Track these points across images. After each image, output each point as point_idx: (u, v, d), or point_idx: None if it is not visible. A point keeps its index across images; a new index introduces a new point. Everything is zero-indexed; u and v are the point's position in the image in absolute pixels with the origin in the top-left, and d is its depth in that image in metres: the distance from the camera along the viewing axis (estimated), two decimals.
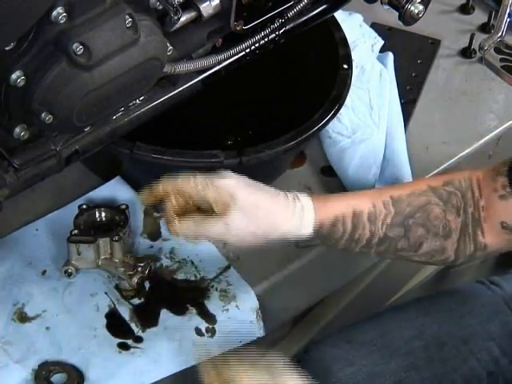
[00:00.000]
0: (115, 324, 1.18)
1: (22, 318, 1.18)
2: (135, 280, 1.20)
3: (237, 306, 1.23)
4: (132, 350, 1.17)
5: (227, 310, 1.22)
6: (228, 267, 1.26)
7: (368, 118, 1.45)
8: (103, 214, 1.26)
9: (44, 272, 1.23)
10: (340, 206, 1.14)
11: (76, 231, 1.22)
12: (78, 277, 1.22)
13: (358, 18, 1.59)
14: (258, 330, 1.23)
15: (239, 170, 1.19)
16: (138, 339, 1.19)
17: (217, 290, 1.24)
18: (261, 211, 1.10)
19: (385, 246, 1.15)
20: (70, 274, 1.21)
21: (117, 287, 1.22)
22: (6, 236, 1.26)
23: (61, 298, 1.20)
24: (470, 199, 1.16)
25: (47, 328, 1.17)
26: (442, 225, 1.15)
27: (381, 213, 1.15)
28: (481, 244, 1.16)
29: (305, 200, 1.12)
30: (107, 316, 1.20)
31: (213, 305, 1.22)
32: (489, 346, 1.27)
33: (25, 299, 1.19)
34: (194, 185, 1.07)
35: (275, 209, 1.11)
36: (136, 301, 1.22)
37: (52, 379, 1.13)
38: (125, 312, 1.21)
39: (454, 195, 1.16)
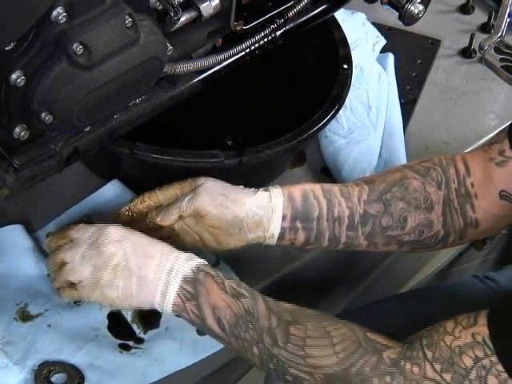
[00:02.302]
0: (117, 325, 1.18)
1: (25, 316, 1.18)
2: None
3: None
4: (133, 350, 1.17)
5: None
6: (218, 261, 1.26)
7: (366, 118, 1.45)
8: None
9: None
10: (307, 184, 1.17)
11: None
12: None
13: (361, 16, 1.59)
14: None
15: (239, 169, 1.19)
16: (140, 340, 1.18)
17: None
18: (226, 189, 1.16)
19: (370, 226, 1.15)
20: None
21: None
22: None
23: None
24: (452, 175, 1.15)
25: (49, 325, 1.17)
26: (422, 197, 1.15)
27: (354, 189, 1.16)
28: (471, 219, 1.15)
29: (269, 186, 1.17)
30: (109, 316, 1.19)
31: None
32: None
33: (28, 299, 1.19)
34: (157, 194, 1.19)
35: (239, 189, 1.16)
36: None
37: (52, 379, 1.13)
38: (127, 313, 1.20)
39: (432, 170, 1.16)
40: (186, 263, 1.08)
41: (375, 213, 1.15)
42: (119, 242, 1.09)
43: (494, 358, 0.94)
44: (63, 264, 1.10)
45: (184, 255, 1.09)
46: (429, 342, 0.99)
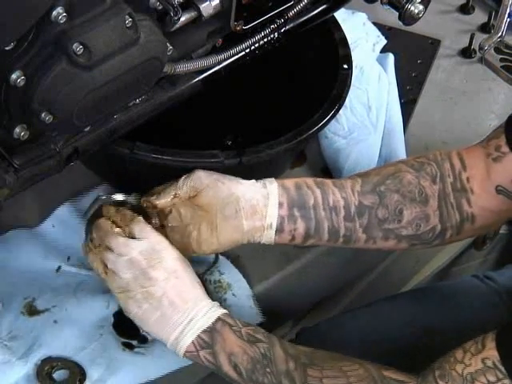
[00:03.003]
0: (122, 323, 1.18)
1: (32, 311, 1.18)
2: None
3: (233, 294, 1.23)
4: (136, 349, 1.18)
5: (225, 299, 1.23)
6: (217, 258, 1.26)
7: (366, 119, 1.45)
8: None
9: (59, 268, 1.23)
10: (298, 178, 1.18)
11: None
12: (91, 274, 1.21)
13: (362, 16, 1.60)
14: (258, 316, 1.24)
15: (239, 169, 1.19)
16: (143, 340, 1.19)
17: (210, 282, 1.24)
18: (222, 174, 1.16)
19: (367, 219, 1.15)
20: None
21: None
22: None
23: (73, 293, 1.20)
24: (447, 170, 1.16)
25: (55, 321, 1.17)
26: (417, 190, 1.15)
27: (346, 181, 1.17)
28: (467, 214, 1.15)
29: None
30: (115, 315, 1.19)
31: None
32: None
33: (36, 294, 1.20)
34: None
35: (233, 176, 1.17)
36: None
37: (54, 375, 1.13)
38: None
39: (427, 164, 1.17)
40: (209, 313, 1.08)
41: (370, 204, 1.15)
42: (169, 273, 1.09)
43: (507, 381, 0.94)
44: (109, 248, 1.10)
45: (209, 305, 1.09)
46: (441, 373, 0.99)
